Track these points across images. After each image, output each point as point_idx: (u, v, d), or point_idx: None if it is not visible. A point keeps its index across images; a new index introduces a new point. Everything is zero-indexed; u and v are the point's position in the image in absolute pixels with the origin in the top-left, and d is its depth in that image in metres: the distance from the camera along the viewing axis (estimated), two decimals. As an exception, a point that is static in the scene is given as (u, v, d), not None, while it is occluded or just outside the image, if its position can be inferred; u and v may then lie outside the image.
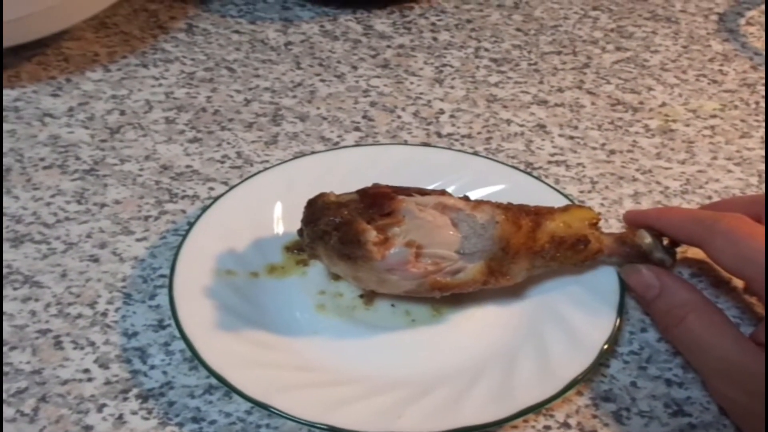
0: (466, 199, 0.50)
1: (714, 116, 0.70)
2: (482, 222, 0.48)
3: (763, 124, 0.69)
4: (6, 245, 0.56)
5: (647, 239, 0.51)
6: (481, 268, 0.48)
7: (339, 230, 0.46)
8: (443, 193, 0.50)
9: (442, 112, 0.70)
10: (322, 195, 0.49)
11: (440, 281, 0.47)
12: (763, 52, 0.79)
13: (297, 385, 0.45)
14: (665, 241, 0.52)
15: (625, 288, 0.51)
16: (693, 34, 0.82)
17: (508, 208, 0.49)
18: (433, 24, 0.82)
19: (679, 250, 0.54)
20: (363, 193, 0.48)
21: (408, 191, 0.49)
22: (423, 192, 0.49)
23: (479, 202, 0.49)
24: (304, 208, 0.49)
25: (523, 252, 0.49)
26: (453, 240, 0.47)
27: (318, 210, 0.48)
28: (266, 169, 0.59)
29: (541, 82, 0.74)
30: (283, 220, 0.56)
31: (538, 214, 0.50)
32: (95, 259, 0.55)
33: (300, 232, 0.50)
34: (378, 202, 0.47)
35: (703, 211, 0.52)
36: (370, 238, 0.46)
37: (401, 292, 0.48)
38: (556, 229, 0.50)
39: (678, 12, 0.86)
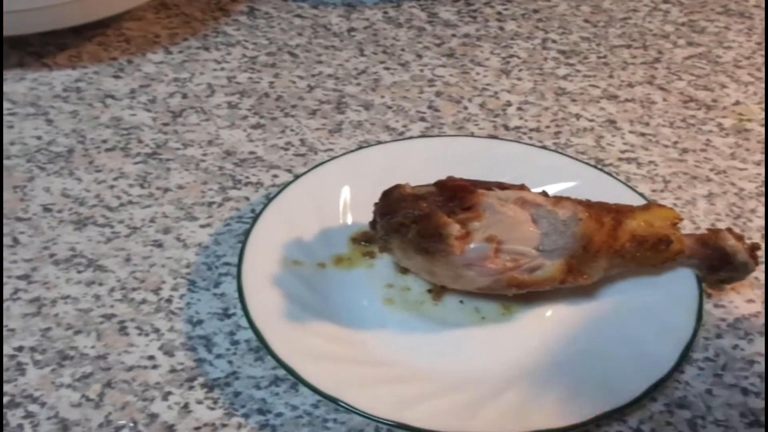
0: (545, 194, 0.49)
1: (790, 116, 0.68)
2: (564, 219, 0.46)
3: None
4: (69, 227, 0.55)
5: (731, 241, 0.49)
6: (561, 266, 0.46)
7: (418, 223, 0.45)
8: (522, 187, 0.48)
9: (509, 104, 0.68)
10: (398, 186, 0.48)
11: (518, 278, 0.46)
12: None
13: (366, 380, 0.44)
14: (747, 244, 0.50)
15: (703, 292, 0.49)
16: None
17: (590, 206, 0.48)
18: (499, 13, 0.80)
19: (760, 253, 0.52)
20: (442, 185, 0.47)
21: (488, 185, 0.47)
22: (503, 186, 0.48)
23: (560, 199, 0.48)
24: (379, 199, 0.48)
25: (604, 251, 0.47)
26: (533, 236, 0.46)
27: (395, 201, 0.47)
28: (332, 158, 0.58)
29: (610, 76, 0.72)
30: (349, 211, 0.55)
31: (619, 212, 0.48)
32: (159, 245, 0.54)
33: (373, 224, 0.49)
34: (459, 195, 0.46)
35: None
36: (452, 232, 0.45)
37: (475, 289, 0.47)
38: (638, 228, 0.48)
39: (752, 7, 0.83)
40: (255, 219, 0.52)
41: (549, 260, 0.46)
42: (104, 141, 0.63)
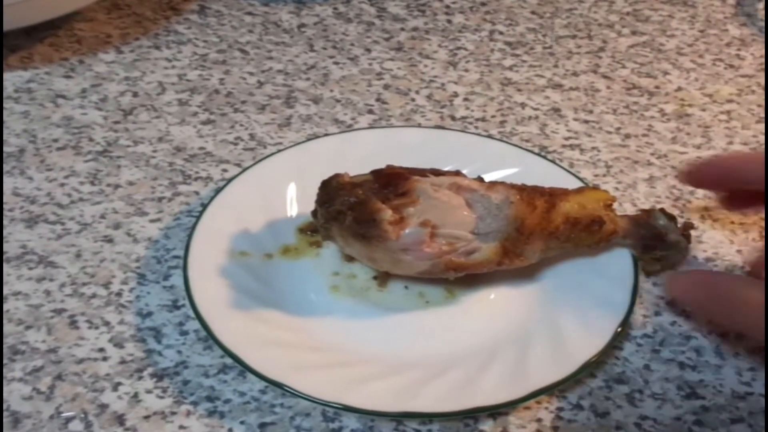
0: (480, 180, 0.50)
1: (730, 101, 0.70)
2: (497, 202, 0.48)
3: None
4: (21, 225, 0.56)
5: (662, 220, 0.51)
6: (496, 248, 0.48)
7: (354, 210, 0.46)
8: (458, 173, 0.50)
9: (456, 95, 0.70)
10: (336, 176, 0.49)
11: (455, 261, 0.47)
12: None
13: (311, 365, 0.45)
14: (680, 223, 0.52)
15: (638, 270, 0.51)
16: (710, 18, 0.81)
17: (522, 189, 0.49)
18: (448, 6, 0.82)
19: (693, 233, 0.53)
20: (377, 173, 0.48)
21: (423, 172, 0.48)
22: (438, 173, 0.49)
23: (494, 183, 0.49)
24: (319, 189, 0.49)
25: (537, 232, 0.48)
26: (468, 220, 0.47)
27: (332, 190, 0.48)
28: (279, 150, 0.58)
29: (555, 66, 0.74)
30: (296, 202, 0.56)
31: (553, 195, 0.50)
32: (109, 240, 0.55)
33: (314, 213, 0.50)
34: (393, 182, 0.47)
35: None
36: (386, 217, 0.46)
37: (415, 273, 0.48)
38: (571, 209, 0.49)
39: (694, -5, 0.85)
40: (201, 211, 0.53)
41: (485, 243, 0.47)
42: (55, 140, 0.63)
